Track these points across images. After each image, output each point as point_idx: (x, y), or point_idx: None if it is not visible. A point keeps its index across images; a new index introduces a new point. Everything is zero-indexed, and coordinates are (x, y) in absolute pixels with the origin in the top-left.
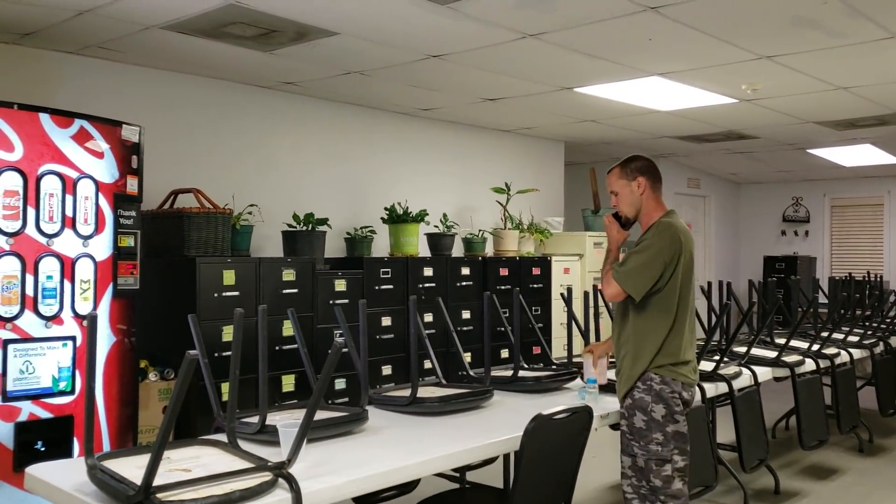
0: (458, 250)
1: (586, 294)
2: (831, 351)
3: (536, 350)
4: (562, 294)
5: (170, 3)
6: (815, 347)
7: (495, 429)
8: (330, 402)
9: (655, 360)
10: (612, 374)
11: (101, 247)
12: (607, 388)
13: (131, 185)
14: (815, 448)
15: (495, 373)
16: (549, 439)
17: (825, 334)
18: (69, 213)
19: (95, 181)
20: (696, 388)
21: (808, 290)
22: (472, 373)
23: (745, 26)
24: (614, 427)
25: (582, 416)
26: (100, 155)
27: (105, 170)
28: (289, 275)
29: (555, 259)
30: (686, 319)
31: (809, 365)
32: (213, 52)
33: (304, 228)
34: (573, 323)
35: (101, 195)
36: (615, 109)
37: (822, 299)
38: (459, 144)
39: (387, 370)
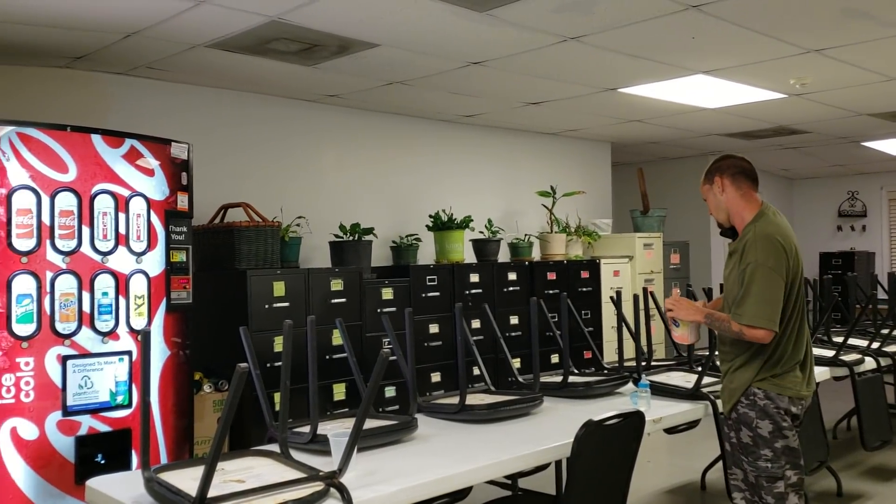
0: (504, 255)
1: (636, 297)
2: (892, 348)
3: (587, 355)
4: (611, 297)
5: (214, 22)
6: (875, 345)
7: (546, 435)
8: (380, 409)
9: (760, 373)
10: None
11: (154, 263)
12: (662, 390)
13: (182, 201)
14: (878, 449)
15: (545, 379)
16: (602, 445)
17: (885, 331)
18: (122, 230)
19: (147, 199)
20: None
21: (867, 287)
22: (521, 379)
23: (790, 20)
24: (669, 431)
25: (634, 422)
26: (150, 173)
27: (156, 187)
28: (337, 285)
29: (604, 262)
30: (796, 325)
31: (870, 363)
32: (257, 68)
33: (351, 238)
34: (624, 326)
35: (152, 212)
36: (661, 108)
37: (882, 295)
38: (503, 149)
39: (436, 377)
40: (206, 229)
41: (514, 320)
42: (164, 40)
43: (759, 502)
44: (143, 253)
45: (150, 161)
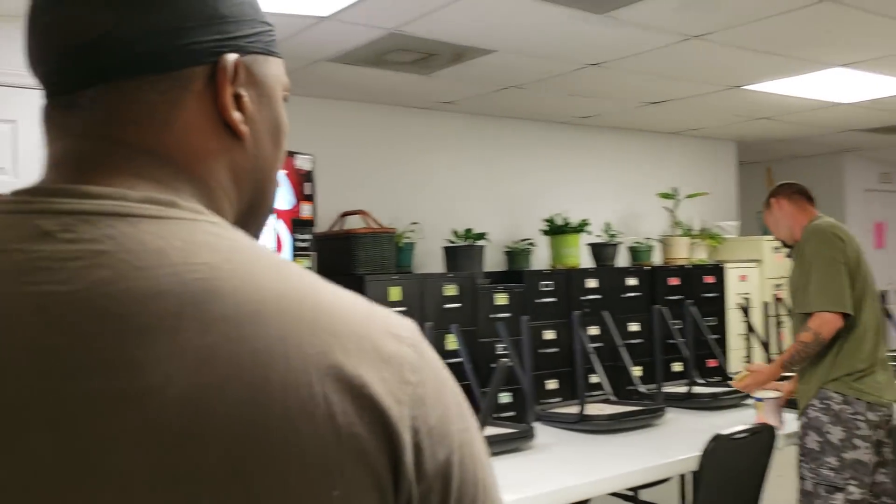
0: (622, 260)
1: (766, 304)
2: None
3: (711, 363)
4: (739, 304)
5: (336, 38)
6: None
7: (670, 448)
8: (495, 416)
9: (832, 372)
10: None
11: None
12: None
13: (305, 210)
14: None
15: (668, 389)
16: (730, 460)
17: None
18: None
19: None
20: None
21: None
22: (642, 389)
23: None
24: None
25: (765, 436)
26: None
27: (282, 197)
28: (450, 290)
29: (729, 266)
30: (870, 324)
31: None
32: (374, 79)
33: (464, 243)
34: (752, 336)
35: (279, 221)
36: (791, 105)
37: None
38: (621, 150)
39: (551, 384)
40: (326, 236)
41: (633, 327)
42: (289, 56)
43: None
44: None
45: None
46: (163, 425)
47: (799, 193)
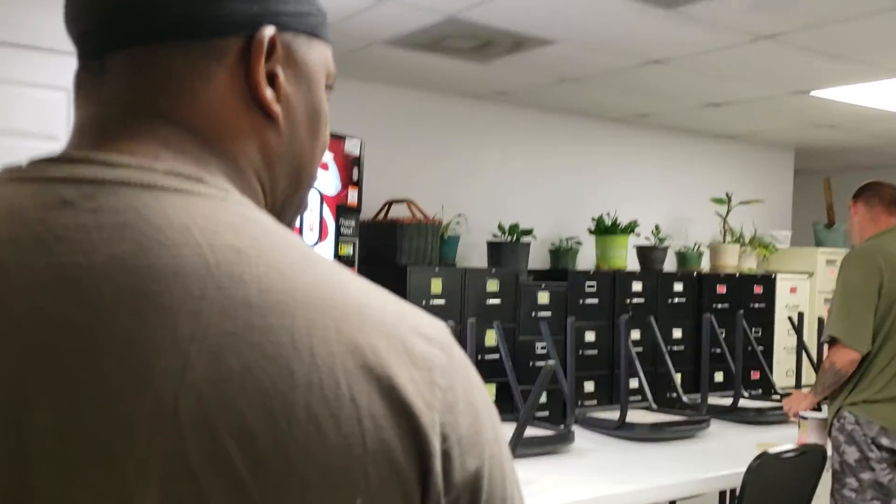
0: (670, 265)
1: (821, 320)
2: None
3: (755, 375)
4: (790, 318)
5: (393, 20)
6: None
7: (713, 462)
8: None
9: (850, 395)
10: None
11: (323, 254)
12: None
13: (352, 196)
14: None
15: (711, 400)
16: (775, 479)
17: None
18: (296, 223)
19: (320, 193)
20: None
21: None
22: (685, 398)
23: None
24: None
25: (814, 457)
26: (324, 167)
27: (329, 182)
28: (493, 285)
29: (780, 277)
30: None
31: None
32: (429, 65)
33: (509, 239)
34: (803, 352)
35: (324, 206)
36: (858, 114)
37: None
38: (675, 152)
39: (589, 386)
40: (371, 224)
41: (677, 333)
42: (344, 36)
43: None
44: (314, 245)
45: (326, 155)
46: (178, 411)
47: (877, 197)
